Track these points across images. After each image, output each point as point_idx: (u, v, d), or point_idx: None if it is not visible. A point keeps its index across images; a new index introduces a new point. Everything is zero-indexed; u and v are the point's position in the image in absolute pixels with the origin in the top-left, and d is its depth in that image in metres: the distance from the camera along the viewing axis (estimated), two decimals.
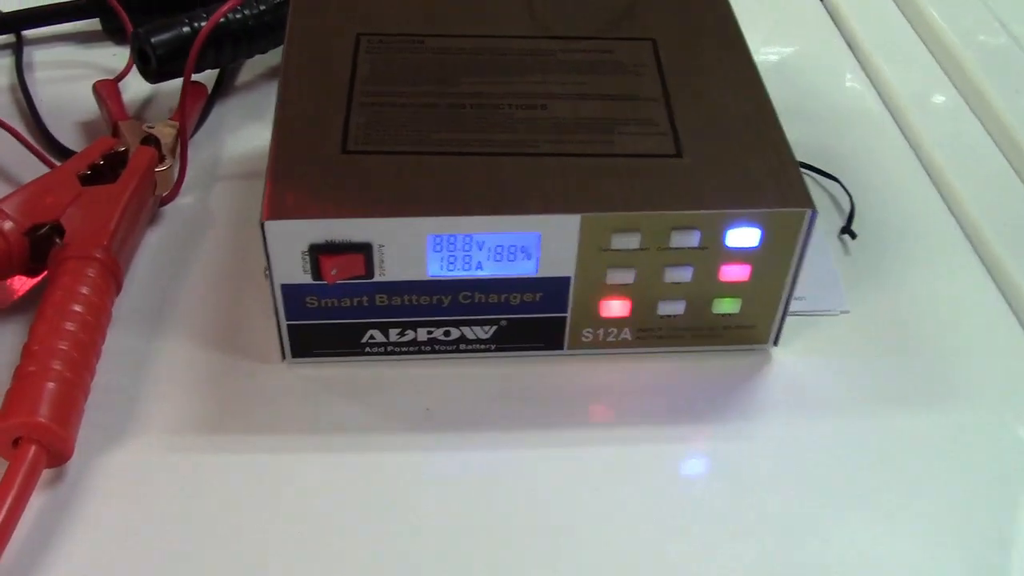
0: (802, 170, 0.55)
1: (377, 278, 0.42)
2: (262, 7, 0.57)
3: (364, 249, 0.41)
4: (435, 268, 0.41)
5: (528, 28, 0.49)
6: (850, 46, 0.67)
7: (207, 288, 0.48)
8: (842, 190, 0.55)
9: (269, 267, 0.41)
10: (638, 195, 0.41)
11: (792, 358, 0.46)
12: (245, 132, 0.56)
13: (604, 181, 0.42)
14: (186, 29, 0.55)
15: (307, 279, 0.41)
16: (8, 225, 0.44)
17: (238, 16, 0.56)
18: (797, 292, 0.48)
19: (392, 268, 0.41)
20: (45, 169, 0.49)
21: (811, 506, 0.41)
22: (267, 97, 0.59)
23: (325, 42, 0.48)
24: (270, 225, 0.40)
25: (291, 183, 0.41)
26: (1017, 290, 0.50)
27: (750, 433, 0.43)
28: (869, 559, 0.39)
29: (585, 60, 0.48)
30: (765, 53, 0.65)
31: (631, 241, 0.41)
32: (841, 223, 0.53)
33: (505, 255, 0.41)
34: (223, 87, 0.59)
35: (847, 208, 0.54)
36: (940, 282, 0.50)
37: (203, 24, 0.55)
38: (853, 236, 0.52)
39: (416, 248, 0.41)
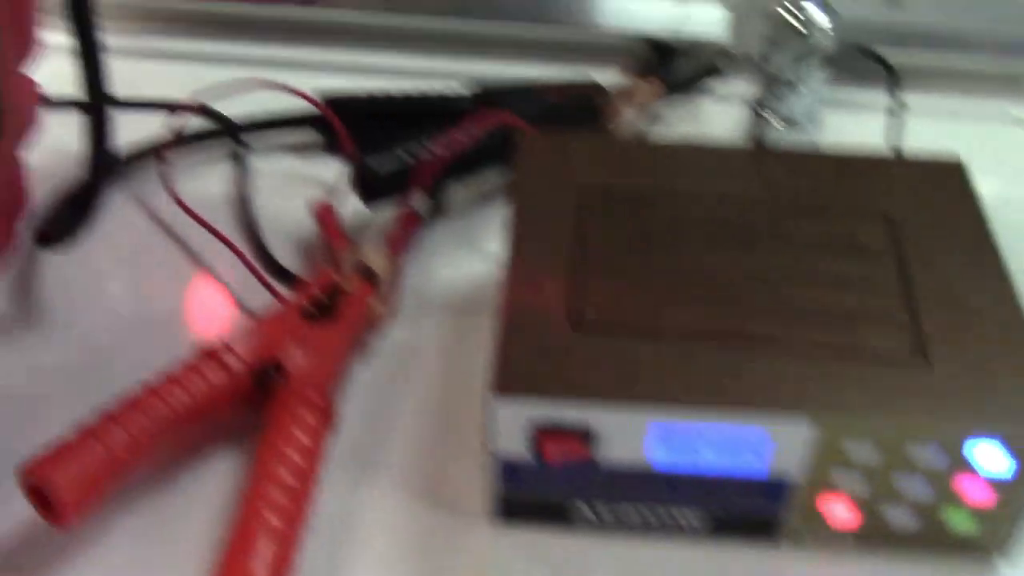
0: None
1: (597, 461, 0.41)
2: (479, 136, 0.57)
3: (587, 433, 0.40)
4: (656, 456, 0.40)
5: (761, 195, 0.48)
6: None
7: (413, 429, 0.48)
8: None
9: (490, 438, 0.40)
10: (875, 399, 0.39)
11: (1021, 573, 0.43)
12: (456, 260, 0.56)
13: (839, 380, 0.40)
14: (405, 157, 0.56)
15: (526, 455, 0.41)
16: (234, 362, 0.44)
17: (458, 145, 0.57)
18: None
19: (612, 452, 0.40)
20: (263, 290, 0.50)
21: None
22: (478, 223, 0.59)
23: (553, 198, 0.47)
24: (496, 401, 0.39)
25: (519, 357, 0.40)
26: None
27: None
28: None
29: (822, 237, 0.46)
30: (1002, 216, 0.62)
31: (864, 447, 0.39)
32: None
33: (729, 449, 0.40)
34: (436, 211, 0.59)
35: None
36: None
37: (423, 154, 0.56)
38: None
39: (638, 435, 0.40)
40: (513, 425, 0.40)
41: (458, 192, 0.61)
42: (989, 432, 0.39)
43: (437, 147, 0.55)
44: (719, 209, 0.47)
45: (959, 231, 0.47)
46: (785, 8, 0.61)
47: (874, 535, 0.42)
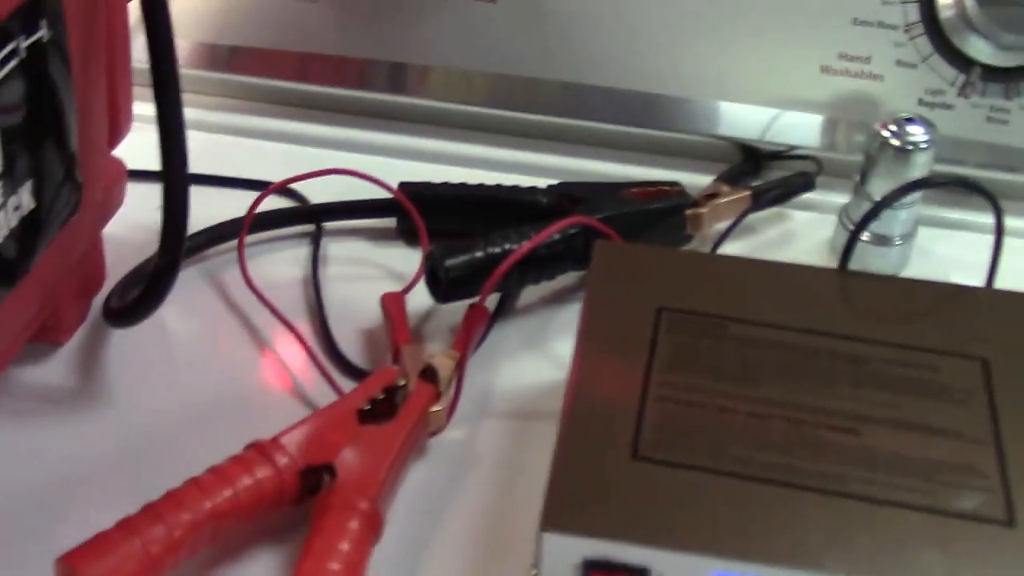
0: None
1: None
2: (556, 237, 0.56)
3: (641, 574, 0.37)
4: None
5: (844, 326, 0.45)
6: None
7: (460, 543, 0.46)
8: None
9: (538, 571, 0.38)
10: (958, 568, 0.36)
11: None
12: (521, 362, 0.55)
13: (918, 544, 0.37)
14: (480, 255, 0.54)
15: None
16: (284, 462, 0.43)
17: (538, 247, 0.55)
18: None
19: None
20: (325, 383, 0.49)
21: None
22: (546, 324, 0.57)
23: (624, 312, 0.46)
24: (547, 536, 0.37)
25: (574, 488, 0.38)
26: None
27: None
28: None
29: (904, 376, 0.43)
30: None
31: None
32: None
33: None
34: (503, 309, 0.58)
35: None
36: None
37: (497, 251, 0.54)
38: None
39: None
40: (562, 561, 0.38)
41: (530, 291, 0.59)
42: None
43: (513, 247, 0.54)
44: (799, 338, 0.45)
45: None
46: (886, 126, 0.59)
47: None
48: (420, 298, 0.57)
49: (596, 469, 0.39)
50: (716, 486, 0.38)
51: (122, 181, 0.53)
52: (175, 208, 0.46)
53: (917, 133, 0.58)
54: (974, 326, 0.46)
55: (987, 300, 0.48)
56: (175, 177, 0.46)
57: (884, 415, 0.41)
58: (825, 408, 0.42)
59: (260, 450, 0.43)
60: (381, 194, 0.61)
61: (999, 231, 0.51)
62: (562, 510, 0.38)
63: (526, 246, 0.51)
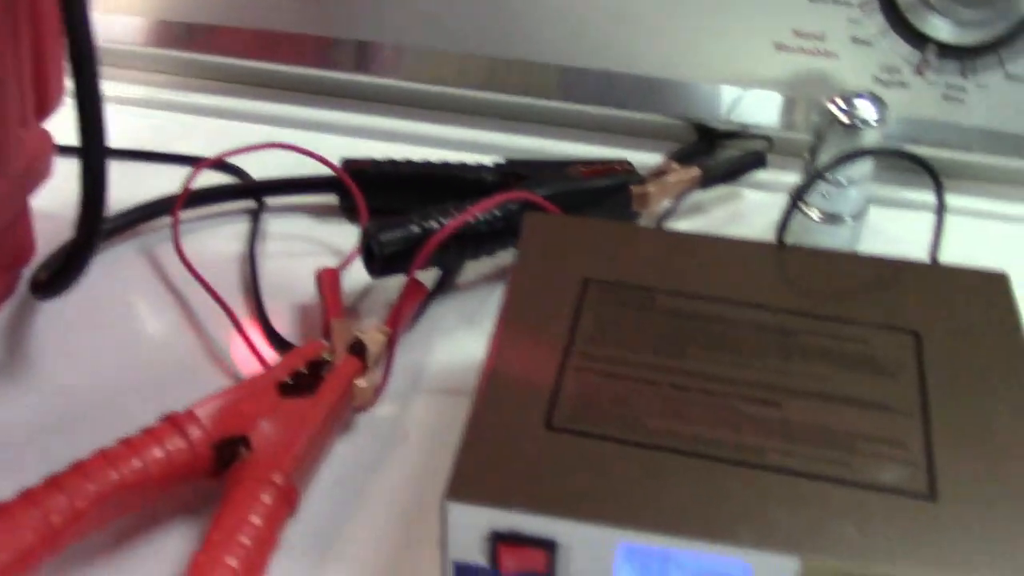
0: None
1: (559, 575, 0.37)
2: (496, 213, 0.55)
3: (548, 546, 0.36)
4: None
5: (776, 298, 0.44)
6: None
7: (384, 519, 0.45)
8: None
9: (444, 542, 0.37)
10: (874, 542, 0.35)
11: None
12: (458, 339, 0.54)
13: (835, 517, 0.36)
14: (416, 230, 0.53)
15: (482, 562, 0.37)
16: (197, 433, 0.42)
17: (470, 220, 0.54)
18: None
19: (577, 569, 0.37)
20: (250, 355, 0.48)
21: None
22: (486, 301, 0.56)
23: (550, 283, 0.45)
24: (452, 506, 0.36)
25: (484, 459, 0.37)
26: None
27: None
28: None
29: (833, 348, 0.42)
30: None
31: None
32: None
33: None
34: (443, 286, 0.57)
35: None
36: None
37: (435, 226, 0.53)
38: None
39: (606, 556, 0.36)
40: (468, 531, 0.37)
41: (473, 269, 0.58)
42: None
43: (449, 221, 0.53)
44: (728, 311, 0.44)
45: (993, 352, 0.42)
46: (835, 102, 0.58)
47: None
48: (360, 275, 0.56)
49: (507, 439, 0.38)
50: (630, 458, 0.37)
51: (49, 153, 0.52)
52: (92, 182, 0.45)
53: (866, 109, 0.57)
54: (908, 300, 0.45)
55: (923, 274, 0.46)
56: (92, 150, 0.45)
57: (809, 387, 0.40)
58: (749, 380, 0.41)
59: (172, 422, 0.42)
60: (326, 171, 0.60)
61: (940, 205, 0.50)
62: (469, 480, 0.36)
63: (459, 220, 0.50)
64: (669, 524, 0.35)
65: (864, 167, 0.58)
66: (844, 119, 0.57)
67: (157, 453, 0.41)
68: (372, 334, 0.50)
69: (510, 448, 0.38)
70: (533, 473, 0.37)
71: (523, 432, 0.38)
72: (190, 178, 0.57)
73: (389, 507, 0.45)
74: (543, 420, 0.39)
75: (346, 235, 0.60)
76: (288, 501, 0.42)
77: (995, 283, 0.46)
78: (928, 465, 0.38)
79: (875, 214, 0.61)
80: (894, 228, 0.61)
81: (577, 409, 0.39)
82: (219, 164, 0.60)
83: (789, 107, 0.67)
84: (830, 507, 0.36)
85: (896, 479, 0.37)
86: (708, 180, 0.62)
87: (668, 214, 0.60)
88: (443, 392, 0.51)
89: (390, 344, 0.50)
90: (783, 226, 0.50)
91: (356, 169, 0.60)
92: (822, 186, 0.58)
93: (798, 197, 0.53)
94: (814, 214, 0.59)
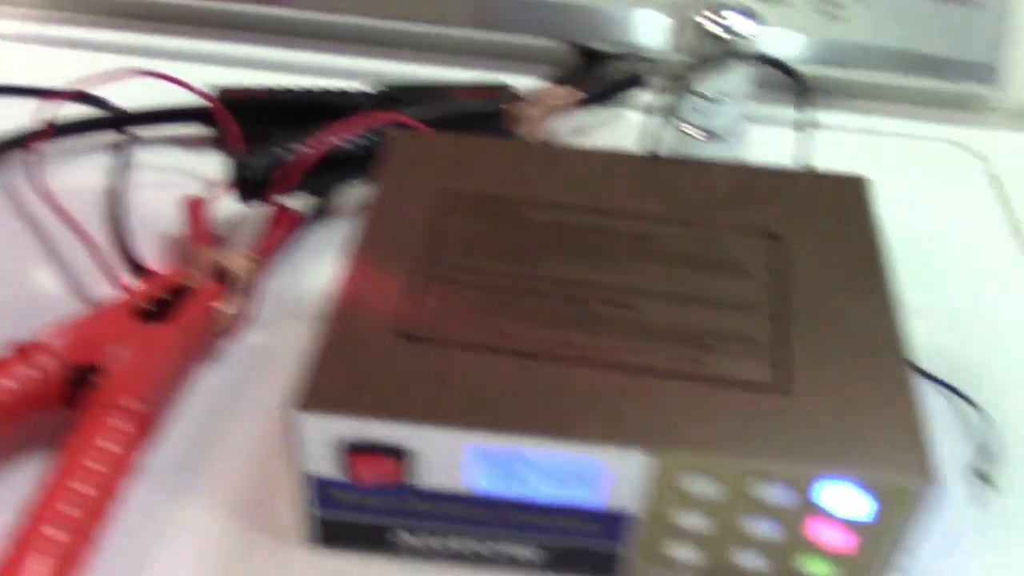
0: (939, 388, 0.48)
1: (413, 484, 0.37)
2: (369, 136, 0.54)
3: (400, 453, 0.36)
4: (477, 482, 0.36)
5: (636, 206, 0.44)
6: (1018, 238, 0.59)
7: (249, 446, 0.44)
8: (986, 422, 0.47)
9: (296, 453, 0.37)
10: (721, 433, 0.35)
11: None
12: (332, 265, 0.53)
13: (684, 411, 0.36)
14: (282, 153, 0.52)
15: (337, 474, 0.37)
16: (49, 363, 0.41)
17: (342, 143, 0.53)
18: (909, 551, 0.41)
19: (430, 475, 0.37)
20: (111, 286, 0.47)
21: None
22: None
23: (412, 196, 0.44)
24: (299, 416, 0.35)
25: (336, 368, 0.37)
26: None
27: None
28: None
29: (692, 252, 0.42)
30: (916, 237, 0.58)
31: (706, 485, 0.35)
32: (974, 459, 0.45)
33: (559, 479, 0.36)
34: (319, 213, 0.56)
35: (988, 443, 0.46)
36: None
37: (303, 150, 0.52)
38: (991, 484, 0.44)
39: (458, 459, 0.36)
40: (321, 443, 0.36)
41: (348, 196, 0.57)
42: (840, 473, 0.35)
43: (314, 144, 0.52)
44: (589, 219, 0.43)
45: (850, 252, 0.43)
46: (706, 15, 0.57)
47: None
48: (232, 204, 0.54)
49: (359, 350, 0.37)
50: (483, 363, 0.37)
51: None
52: None
53: (737, 21, 0.57)
54: (770, 205, 0.45)
55: (786, 180, 0.47)
56: None
57: (665, 290, 0.40)
58: (606, 285, 0.40)
59: (22, 351, 0.41)
60: (196, 101, 0.58)
61: (804, 110, 0.50)
62: (319, 390, 0.36)
63: (324, 142, 0.49)
64: (514, 424, 0.35)
65: (737, 81, 0.57)
66: (714, 31, 0.57)
67: (8, 383, 0.40)
68: (237, 260, 0.49)
69: (361, 358, 0.37)
70: (384, 381, 0.36)
71: (375, 342, 0.38)
72: (50, 107, 0.55)
73: (255, 434, 0.45)
74: (396, 330, 0.38)
75: (217, 165, 0.58)
76: (143, 427, 0.41)
77: (855, 187, 0.46)
78: (782, 361, 0.38)
79: (759, 133, 0.61)
80: (776, 147, 0.62)
81: (432, 318, 0.39)
82: (82, 96, 0.58)
83: (672, 28, 0.66)
84: (683, 403, 0.36)
85: (750, 374, 0.37)
86: (586, 101, 0.61)
87: (548, 134, 0.60)
88: (316, 319, 0.50)
89: (257, 271, 0.49)
90: (652, 138, 0.50)
91: (230, 98, 0.58)
92: (696, 101, 0.57)
93: (680, 117, 0.53)
94: (693, 132, 0.59)
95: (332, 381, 0.36)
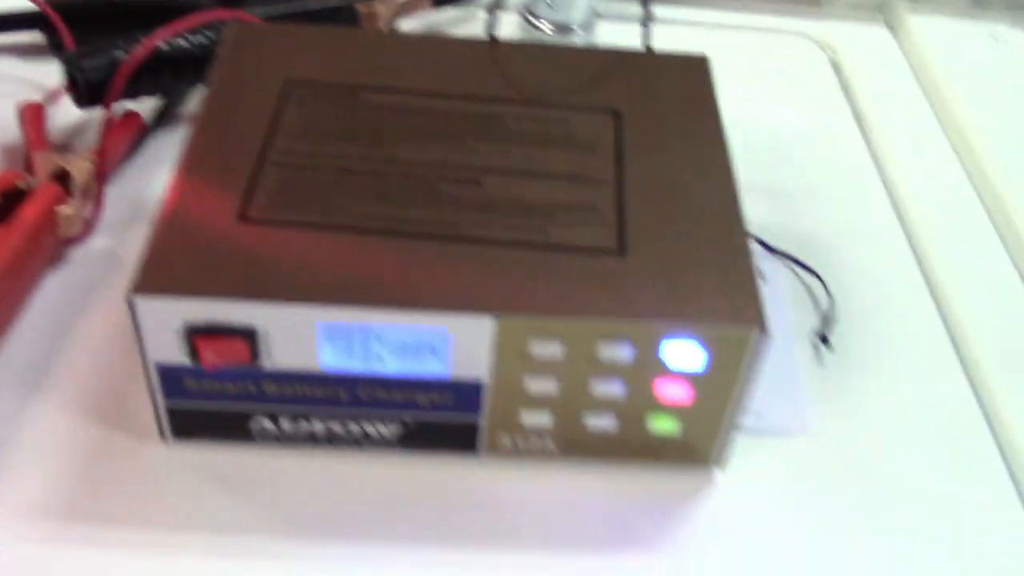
0: (784, 261, 0.50)
1: (264, 365, 0.37)
2: (210, 34, 0.53)
3: (248, 334, 0.36)
4: (328, 359, 0.37)
5: (482, 89, 0.44)
6: (858, 120, 0.61)
7: (100, 346, 0.43)
8: (823, 289, 0.49)
9: (141, 344, 0.36)
10: (564, 297, 0.36)
11: (738, 483, 0.41)
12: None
13: (528, 277, 0.36)
14: (120, 54, 0.51)
15: (185, 361, 0.37)
16: None
17: (181, 43, 0.52)
18: (753, 406, 0.43)
19: (281, 356, 0.37)
20: None
21: None
22: None
23: (251, 85, 0.43)
24: (139, 301, 0.35)
25: (173, 252, 0.36)
26: (1006, 426, 0.44)
27: (684, 568, 0.38)
28: None
29: (537, 131, 0.43)
30: (765, 122, 0.60)
31: (552, 348, 0.36)
32: (818, 323, 0.48)
33: (410, 352, 0.37)
34: (164, 117, 0.54)
35: (827, 307, 0.48)
36: (922, 408, 0.45)
37: (140, 51, 0.51)
38: (828, 345, 0.47)
39: (307, 337, 0.36)
40: (163, 328, 0.36)
41: (192, 99, 0.56)
42: (678, 327, 0.36)
43: (149, 42, 0.51)
44: (434, 103, 0.43)
45: (688, 124, 0.44)
46: None
47: (577, 443, 0.40)
48: (73, 112, 0.53)
49: (199, 233, 0.37)
50: (328, 241, 0.37)
51: None
52: None
53: None
54: (613, 84, 0.46)
55: (629, 61, 0.47)
56: None
57: (509, 166, 0.41)
58: (450, 163, 0.41)
59: None
60: (29, 8, 0.56)
61: (649, 5, 0.51)
62: (157, 274, 0.35)
63: (158, 38, 0.48)
64: (364, 297, 0.35)
65: None
66: None
67: None
68: (77, 162, 0.47)
69: (202, 241, 0.36)
70: (227, 262, 0.36)
71: (216, 225, 0.37)
72: None
73: (105, 335, 0.44)
74: (237, 213, 0.38)
75: (56, 74, 0.56)
76: None
77: (696, 66, 0.47)
78: (619, 226, 0.39)
79: (608, 28, 0.61)
80: (626, 40, 0.62)
81: (274, 200, 0.38)
82: None
83: None
84: (528, 270, 0.37)
85: (588, 240, 0.38)
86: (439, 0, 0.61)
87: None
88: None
89: (99, 174, 0.47)
90: (494, 24, 0.50)
91: (62, 3, 0.56)
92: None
93: (531, 12, 0.53)
94: (544, 26, 0.60)
95: (171, 265, 0.36)
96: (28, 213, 0.43)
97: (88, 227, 0.47)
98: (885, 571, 0.39)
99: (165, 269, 0.35)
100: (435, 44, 0.47)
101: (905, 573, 0.39)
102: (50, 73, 0.56)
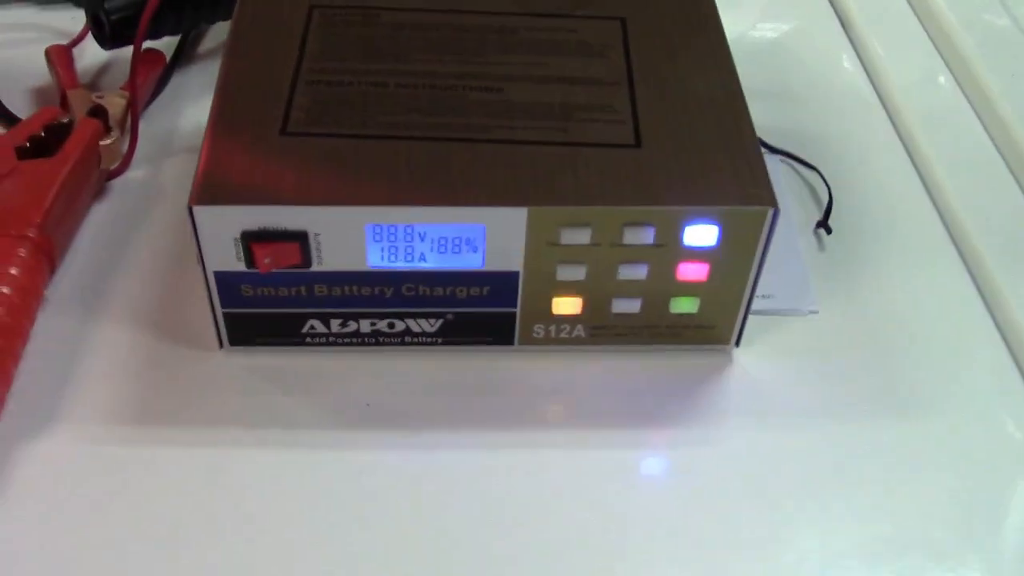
0: (781, 158, 0.53)
1: (314, 268, 0.40)
2: None
3: (299, 238, 0.39)
4: (375, 259, 0.39)
5: (493, 3, 0.47)
6: (844, 26, 0.64)
7: (150, 268, 0.46)
8: (822, 181, 0.52)
9: (200, 253, 0.39)
10: (590, 188, 0.39)
11: (754, 360, 0.44)
12: (204, 103, 0.53)
13: (555, 172, 0.39)
14: None
15: (240, 267, 0.39)
16: None
17: None
18: (765, 290, 0.46)
19: (330, 257, 0.39)
20: None
21: (770, 516, 0.39)
22: None
23: (276, 13, 0.45)
24: (199, 211, 0.38)
25: (224, 166, 0.39)
26: (999, 296, 0.47)
27: (707, 438, 0.41)
28: (832, 571, 0.37)
29: (549, 40, 0.45)
30: (756, 31, 0.63)
31: (581, 236, 0.39)
32: (819, 216, 0.51)
33: (449, 247, 0.39)
34: (184, 54, 0.56)
35: (826, 199, 0.51)
36: (918, 284, 0.48)
37: None
38: (829, 231, 0.50)
39: (355, 238, 0.39)
40: (221, 236, 0.38)
41: (212, 37, 0.58)
42: (699, 213, 0.39)
43: None
44: (451, 18, 0.46)
45: (690, 28, 0.46)
46: None
47: (605, 329, 0.43)
48: (95, 52, 0.55)
49: (245, 147, 0.39)
50: (366, 149, 0.40)
51: None
52: None
53: None
54: None
55: None
56: None
57: (527, 73, 0.43)
58: (471, 73, 0.43)
59: None
60: None
61: None
62: (213, 185, 0.38)
63: None
64: (406, 197, 0.38)
65: None
66: None
67: None
68: (110, 98, 0.50)
69: (250, 155, 0.39)
70: (276, 172, 0.39)
71: (260, 139, 0.40)
72: None
73: (154, 257, 0.46)
74: (279, 128, 0.40)
75: (76, 20, 0.58)
76: (46, 253, 0.42)
77: None
78: (634, 122, 0.42)
79: None
80: None
81: (311, 115, 0.41)
82: None
83: None
84: (551, 165, 0.40)
85: (607, 136, 0.41)
86: None
87: None
88: (195, 150, 0.52)
89: (131, 107, 0.50)
90: None
91: None
92: None
93: None
94: None
95: (225, 177, 0.38)
96: (74, 145, 0.46)
97: (126, 160, 0.49)
98: (890, 432, 0.42)
99: (220, 181, 0.38)
100: None
101: (908, 437, 0.42)
102: (70, 19, 0.58)
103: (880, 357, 0.45)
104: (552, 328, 0.43)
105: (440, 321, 0.42)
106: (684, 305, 0.42)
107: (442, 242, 0.39)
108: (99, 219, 0.48)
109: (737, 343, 0.44)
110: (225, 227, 0.38)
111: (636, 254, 0.40)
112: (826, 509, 0.39)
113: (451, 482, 0.39)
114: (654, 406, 0.42)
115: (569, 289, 0.41)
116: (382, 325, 0.42)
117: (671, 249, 0.40)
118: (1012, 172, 0.54)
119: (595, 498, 0.39)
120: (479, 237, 0.39)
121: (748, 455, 0.41)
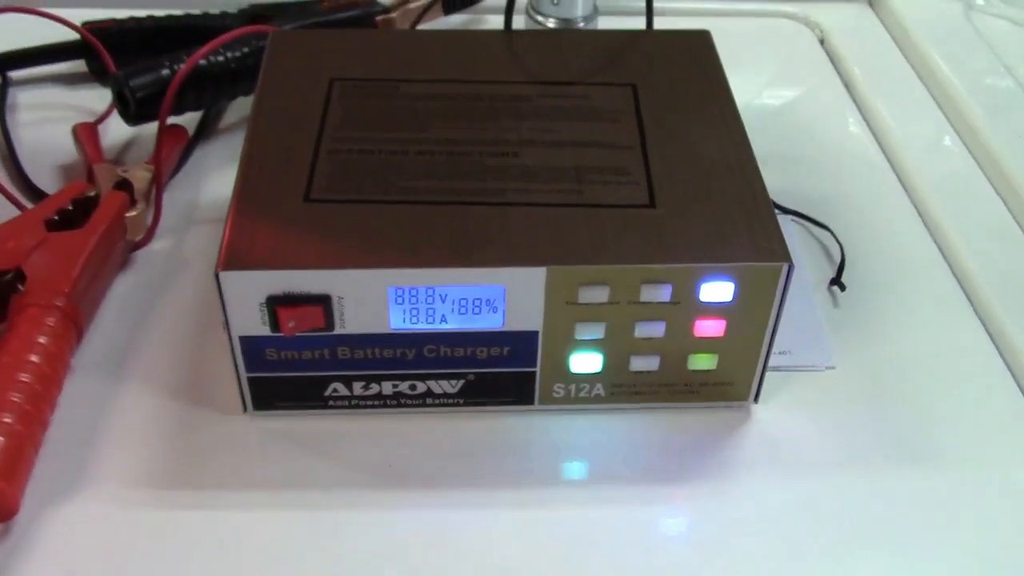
0: (793, 219, 0.54)
1: (337, 330, 0.40)
2: (245, 49, 0.57)
3: (323, 301, 0.39)
4: (397, 321, 0.40)
5: (506, 73, 0.48)
6: (848, 89, 0.65)
7: (174, 336, 0.47)
8: (833, 239, 0.53)
9: (226, 318, 0.40)
10: (607, 247, 0.40)
11: (773, 415, 0.44)
12: (225, 175, 0.56)
13: (572, 232, 0.40)
14: (165, 72, 0.54)
15: (265, 331, 0.40)
16: None
17: (219, 59, 0.56)
18: (781, 346, 0.47)
19: (353, 320, 0.40)
20: (16, 213, 0.49)
21: (792, 570, 0.39)
22: None
23: (298, 87, 0.47)
24: (225, 276, 0.38)
25: (250, 232, 0.40)
26: (1013, 347, 0.48)
27: (728, 494, 0.41)
28: None
29: (562, 106, 0.46)
30: (763, 98, 0.64)
31: (599, 295, 0.40)
32: (831, 274, 0.51)
33: (470, 308, 0.40)
34: (206, 129, 0.58)
35: (838, 258, 0.52)
36: (933, 337, 0.49)
37: (178, 66, 0.54)
38: (842, 288, 0.50)
39: (377, 300, 0.40)
40: (246, 301, 0.39)
41: (233, 112, 0.60)
42: (715, 270, 0.39)
43: (201, 63, 0.54)
44: (465, 88, 0.47)
45: (699, 93, 0.48)
46: None
47: (623, 386, 0.43)
48: (120, 128, 0.56)
49: (270, 214, 0.40)
50: (385, 213, 0.41)
51: None
52: None
53: None
54: (626, 60, 0.49)
55: (638, 39, 0.51)
56: None
57: (541, 138, 0.45)
58: (487, 140, 0.44)
59: None
60: (66, 38, 0.60)
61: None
62: (238, 251, 0.39)
63: (201, 53, 0.51)
64: (428, 260, 0.39)
65: None
66: None
67: None
68: (135, 171, 0.51)
69: (275, 221, 0.40)
70: (300, 238, 0.39)
71: (284, 206, 0.41)
72: None
73: (177, 325, 0.47)
74: (302, 195, 0.41)
75: (99, 97, 0.60)
76: (73, 322, 0.43)
77: (700, 40, 0.51)
78: (648, 184, 0.43)
79: (608, 23, 0.65)
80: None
81: (334, 182, 0.42)
82: None
83: None
84: (568, 226, 0.40)
85: (621, 197, 0.42)
86: (450, 5, 0.65)
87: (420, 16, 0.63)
88: (217, 221, 0.53)
89: (156, 180, 0.51)
90: (508, 13, 0.54)
91: (98, 29, 0.60)
92: None
93: (536, 10, 0.56)
94: (549, 23, 0.64)
95: (250, 243, 0.39)
96: (100, 218, 0.47)
97: (150, 231, 0.51)
98: (910, 485, 0.42)
99: (246, 247, 0.39)
100: (457, 37, 0.51)
101: (928, 488, 0.42)
102: (94, 97, 0.60)
103: (897, 409, 0.45)
104: (572, 387, 0.43)
105: (461, 382, 0.43)
106: (702, 362, 0.42)
107: (463, 303, 0.40)
108: (124, 288, 0.49)
109: (756, 399, 0.44)
110: (251, 292, 0.39)
111: (653, 311, 0.41)
112: (848, 563, 0.39)
113: (474, 543, 0.39)
114: (674, 463, 0.42)
115: (587, 347, 0.42)
116: (404, 387, 0.43)
117: (688, 306, 0.40)
118: (1019, 223, 0.55)
119: (618, 556, 0.39)
120: (499, 297, 0.40)
121: (769, 510, 0.41)
